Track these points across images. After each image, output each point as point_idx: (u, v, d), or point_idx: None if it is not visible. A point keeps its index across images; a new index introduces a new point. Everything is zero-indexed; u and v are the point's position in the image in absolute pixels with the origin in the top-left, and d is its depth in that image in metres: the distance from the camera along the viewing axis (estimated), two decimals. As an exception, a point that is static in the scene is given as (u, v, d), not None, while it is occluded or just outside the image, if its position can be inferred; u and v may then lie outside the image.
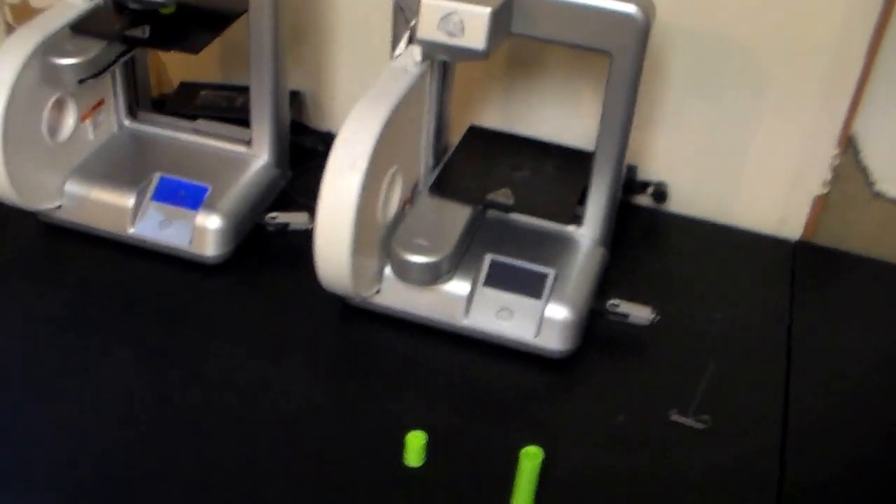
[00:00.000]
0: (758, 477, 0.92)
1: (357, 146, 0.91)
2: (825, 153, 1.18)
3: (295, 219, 1.13)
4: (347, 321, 1.06)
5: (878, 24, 1.08)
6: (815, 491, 0.92)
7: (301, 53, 1.33)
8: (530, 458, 0.83)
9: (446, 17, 0.94)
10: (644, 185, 1.23)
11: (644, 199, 1.25)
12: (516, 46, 1.23)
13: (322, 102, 1.36)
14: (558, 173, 1.12)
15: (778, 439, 0.95)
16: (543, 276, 1.01)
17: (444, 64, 1.06)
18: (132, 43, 1.12)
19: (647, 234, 1.22)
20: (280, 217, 1.13)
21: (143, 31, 1.10)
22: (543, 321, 0.99)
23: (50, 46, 1.05)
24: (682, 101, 1.20)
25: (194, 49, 1.10)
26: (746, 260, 1.19)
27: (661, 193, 1.23)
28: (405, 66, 0.99)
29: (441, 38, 0.95)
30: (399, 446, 0.89)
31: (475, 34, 0.94)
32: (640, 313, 1.03)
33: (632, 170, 1.22)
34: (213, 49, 1.36)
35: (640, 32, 0.96)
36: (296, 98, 1.34)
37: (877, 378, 1.05)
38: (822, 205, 1.22)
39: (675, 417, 0.96)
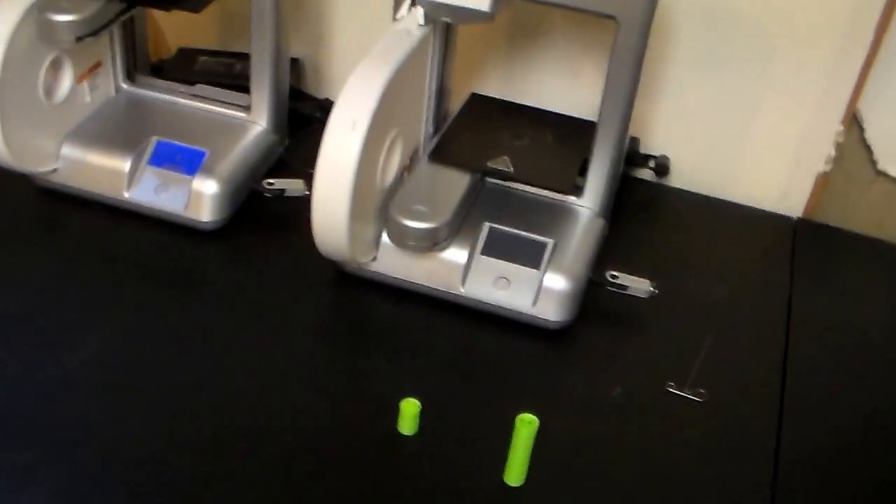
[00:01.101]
0: (754, 448, 0.91)
1: (358, 107, 0.89)
2: (829, 131, 1.17)
3: (292, 185, 1.11)
4: (343, 288, 1.04)
5: (889, 1, 1.07)
6: (811, 463, 0.91)
7: (301, 20, 1.31)
8: (526, 425, 0.82)
9: (450, -23, 0.93)
10: (646, 158, 1.22)
11: (645, 173, 1.24)
12: (518, 14, 1.21)
13: (321, 69, 1.35)
14: (559, 143, 1.11)
15: (775, 412, 0.95)
16: (542, 246, 0.99)
17: (447, 27, 1.05)
18: (131, 1, 1.11)
19: (647, 207, 1.21)
20: (277, 183, 1.12)
21: (142, -11, 1.09)
22: (541, 291, 0.98)
23: (47, 3, 1.04)
24: (687, 74, 1.19)
25: (195, 8, 1.09)
26: (747, 236, 1.19)
27: (662, 167, 1.22)
28: (408, 28, 0.98)
29: (444, -2, 0.94)
30: (394, 414, 0.88)
31: (480, -5, 0.93)
32: (638, 286, 1.02)
33: (634, 142, 1.21)
34: (212, 15, 1.35)
35: (647, -1, 0.94)
36: (295, 65, 1.32)
37: (874, 354, 1.04)
38: (824, 182, 1.21)
39: (672, 390, 0.95)
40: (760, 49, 1.14)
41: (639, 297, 1.02)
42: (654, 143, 1.24)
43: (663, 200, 1.23)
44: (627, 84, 0.99)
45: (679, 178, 1.25)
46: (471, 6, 0.93)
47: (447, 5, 0.94)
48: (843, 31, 1.11)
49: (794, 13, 1.11)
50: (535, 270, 0.98)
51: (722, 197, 1.23)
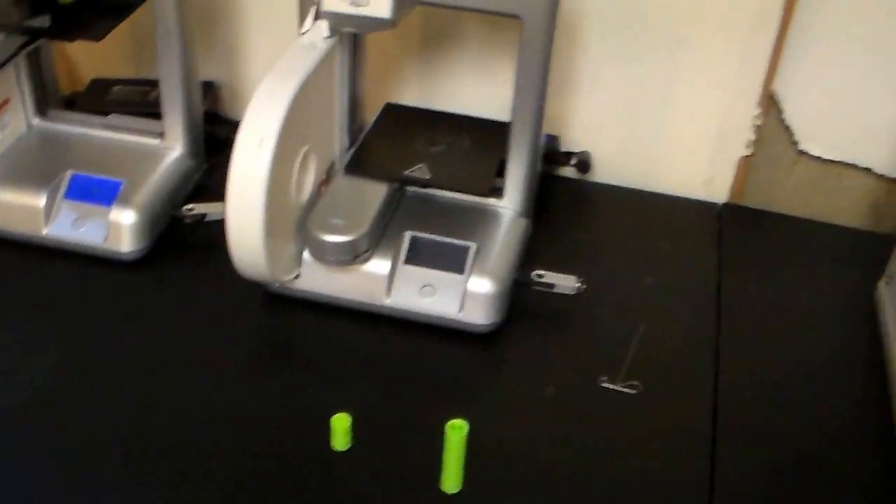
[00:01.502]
0: (691, 437, 0.91)
1: (263, 125, 0.88)
2: (747, 114, 1.18)
3: (212, 209, 1.10)
4: (269, 308, 1.03)
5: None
6: (748, 448, 0.90)
7: (212, 42, 1.30)
8: (456, 431, 0.81)
9: (350, -13, 0.92)
10: (567, 156, 1.22)
11: (569, 170, 1.24)
12: (430, 19, 1.21)
13: (237, 91, 1.34)
14: (476, 146, 1.10)
15: (710, 398, 0.94)
16: (465, 251, 0.99)
17: (354, 38, 1.04)
18: (31, 33, 1.09)
19: (572, 204, 1.21)
20: (197, 208, 1.10)
21: (43, 21, 1.07)
22: (466, 296, 0.97)
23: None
24: (601, 68, 1.19)
25: (96, 37, 1.07)
26: (673, 225, 1.18)
27: (584, 163, 1.22)
28: (313, 41, 0.97)
29: (346, 8, 0.93)
30: (325, 430, 0.87)
31: (380, 2, 0.92)
32: (565, 283, 1.01)
33: (553, 140, 1.21)
34: (125, 44, 1.34)
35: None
36: (209, 88, 1.31)
37: (805, 333, 1.04)
38: (746, 166, 1.21)
39: (606, 384, 0.95)
40: (672, 37, 1.14)
41: (567, 295, 1.01)
42: (576, 139, 1.24)
43: (588, 196, 1.23)
44: (537, 82, 0.99)
45: (603, 173, 1.25)
46: (372, 14, 0.93)
47: (349, 15, 0.94)
48: (753, 11, 1.11)
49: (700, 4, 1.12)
50: (459, 275, 0.97)
51: (646, 188, 1.23)
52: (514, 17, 0.95)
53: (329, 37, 0.97)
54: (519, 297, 1.02)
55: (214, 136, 1.23)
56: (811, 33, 1.11)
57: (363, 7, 0.92)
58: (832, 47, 1.12)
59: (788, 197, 1.24)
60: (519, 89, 1.00)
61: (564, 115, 1.22)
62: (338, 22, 0.96)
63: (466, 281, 0.97)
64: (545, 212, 1.13)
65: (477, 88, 1.23)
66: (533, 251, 1.08)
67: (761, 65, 1.14)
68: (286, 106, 0.89)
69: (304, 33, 0.98)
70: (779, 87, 1.16)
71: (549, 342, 1.00)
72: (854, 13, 1.10)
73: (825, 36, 1.12)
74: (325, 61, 0.97)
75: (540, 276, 1.01)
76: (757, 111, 1.17)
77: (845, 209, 1.23)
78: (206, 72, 1.26)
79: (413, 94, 1.26)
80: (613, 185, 1.24)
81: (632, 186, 1.24)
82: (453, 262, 0.98)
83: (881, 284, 1.09)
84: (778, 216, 1.22)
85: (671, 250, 1.14)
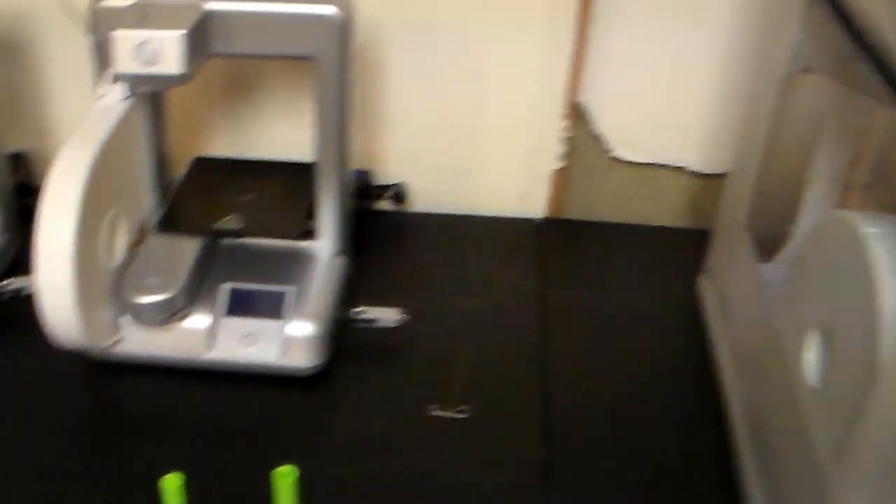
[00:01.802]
0: (523, 457, 0.93)
1: (64, 194, 0.88)
2: (555, 128, 1.20)
3: (28, 282, 1.08)
4: (93, 376, 1.02)
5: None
6: (582, 465, 0.93)
7: (18, 112, 1.28)
8: (284, 478, 0.81)
9: (140, 46, 0.91)
10: (382, 189, 1.23)
11: (386, 203, 1.25)
12: (233, 69, 1.21)
13: (49, 160, 1.32)
14: (286, 191, 1.11)
15: (542, 415, 0.97)
16: (281, 296, 0.99)
17: (153, 96, 1.04)
18: None
19: (392, 236, 1.22)
20: (12, 283, 1.09)
21: None
22: (287, 341, 0.98)
23: None
24: (408, 97, 1.20)
25: None
26: (493, 245, 1.21)
27: (399, 195, 1.23)
28: (110, 105, 0.96)
29: (138, 68, 0.92)
30: (157, 493, 0.87)
31: (171, 59, 0.91)
32: (387, 316, 1.03)
33: (364, 175, 1.22)
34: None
35: (340, 33, 0.95)
36: (19, 160, 1.29)
37: (631, 337, 1.08)
38: (560, 179, 1.24)
39: (435, 413, 0.96)
40: (472, 57, 1.17)
41: (391, 328, 1.03)
42: (391, 171, 1.25)
43: (407, 227, 1.24)
44: (337, 118, 1.00)
45: (420, 202, 1.27)
46: (164, 72, 0.92)
47: (142, 75, 0.93)
48: (548, 25, 1.14)
49: (496, 17, 1.14)
50: (278, 322, 0.98)
51: (465, 213, 1.25)
52: (309, 58, 0.96)
53: (126, 98, 0.97)
54: (344, 335, 1.03)
55: (28, 208, 1.20)
56: (608, 45, 1.15)
57: (155, 66, 0.92)
58: (631, 52, 1.16)
59: (607, 204, 1.27)
60: (320, 129, 1.01)
61: (376, 148, 1.23)
62: (133, 83, 0.95)
63: (285, 326, 0.98)
64: (365, 247, 1.14)
65: (288, 132, 1.24)
66: (356, 288, 1.09)
67: (563, 77, 1.17)
68: (85, 174, 0.88)
69: (101, 97, 0.97)
70: (585, 97, 1.19)
71: (376, 377, 1.01)
72: (646, 20, 1.14)
73: (624, 43, 1.16)
74: (123, 123, 0.96)
75: (360, 312, 1.03)
76: (564, 124, 1.20)
77: (665, 210, 1.27)
78: (16, 143, 1.25)
79: (225, 145, 1.26)
80: (432, 213, 1.26)
81: (450, 212, 1.25)
82: (271, 308, 0.99)
83: (700, 279, 1.13)
84: (598, 224, 1.26)
85: (493, 271, 1.16)
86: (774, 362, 0.85)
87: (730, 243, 1.07)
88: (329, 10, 0.95)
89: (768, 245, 0.97)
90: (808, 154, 0.95)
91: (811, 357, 0.77)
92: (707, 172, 1.24)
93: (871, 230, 0.70)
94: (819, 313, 0.77)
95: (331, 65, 0.97)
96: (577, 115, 1.20)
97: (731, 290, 1.05)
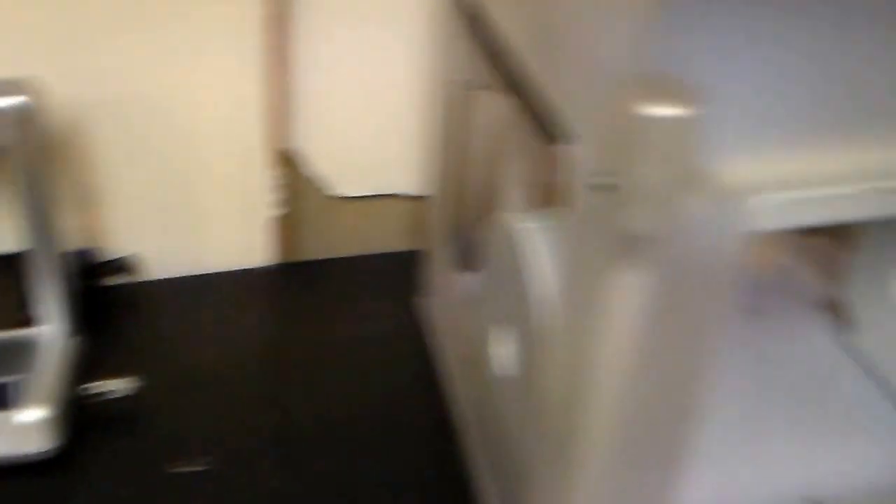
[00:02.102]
0: (266, 493, 0.96)
1: None
2: (266, 177, 1.23)
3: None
4: None
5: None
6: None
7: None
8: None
9: None
10: (108, 264, 1.23)
11: (117, 277, 1.26)
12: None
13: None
14: (2, 281, 1.11)
15: (283, 453, 0.99)
16: (5, 387, 0.99)
17: None
18: None
19: (128, 308, 1.22)
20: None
21: None
22: (18, 429, 0.98)
23: None
24: (123, 171, 1.20)
25: None
26: (226, 299, 1.23)
27: (129, 267, 1.24)
28: None
29: None
30: None
31: None
32: (122, 385, 1.04)
33: (87, 253, 1.22)
34: None
35: (28, 118, 0.96)
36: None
37: (363, 362, 1.13)
38: (288, 224, 1.27)
39: (177, 469, 0.98)
40: (178, 129, 1.19)
41: (128, 396, 1.04)
42: (121, 244, 1.25)
43: (141, 297, 1.25)
44: (40, 205, 1.01)
45: (156, 269, 1.27)
46: None
47: None
48: (244, 84, 1.17)
49: (198, 80, 1.16)
50: (7, 412, 0.98)
51: (197, 273, 1.27)
52: (2, 149, 0.97)
53: None
54: (81, 413, 1.03)
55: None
56: (313, 91, 1.19)
57: None
58: (336, 95, 1.21)
59: (340, 240, 1.30)
60: (26, 217, 1.01)
61: (99, 225, 1.23)
62: None
63: (14, 415, 0.98)
64: (103, 323, 1.15)
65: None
66: (95, 364, 1.09)
67: (263, 131, 1.20)
68: None
69: None
70: (296, 144, 1.22)
71: (118, 448, 1.02)
72: (343, 61, 1.18)
73: (326, 87, 1.20)
74: None
75: (91, 387, 1.03)
76: (275, 172, 1.22)
77: (392, 236, 1.32)
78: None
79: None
80: (164, 279, 1.27)
81: (182, 275, 1.27)
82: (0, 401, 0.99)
83: (422, 297, 1.17)
84: (332, 261, 1.29)
85: (228, 325, 1.18)
86: (484, 363, 0.90)
87: (438, 259, 1.12)
88: (11, 100, 0.95)
89: (471, 256, 1.02)
90: (498, 165, 1.00)
91: (499, 351, 0.82)
92: (421, 195, 1.29)
93: (521, 226, 0.76)
94: (500, 309, 0.82)
95: (24, 154, 0.98)
96: (288, 161, 1.23)
97: (446, 304, 1.10)
